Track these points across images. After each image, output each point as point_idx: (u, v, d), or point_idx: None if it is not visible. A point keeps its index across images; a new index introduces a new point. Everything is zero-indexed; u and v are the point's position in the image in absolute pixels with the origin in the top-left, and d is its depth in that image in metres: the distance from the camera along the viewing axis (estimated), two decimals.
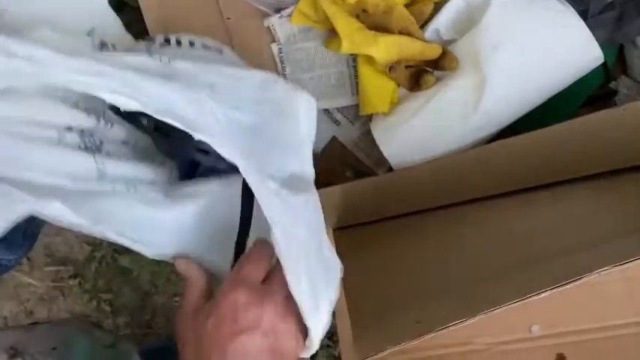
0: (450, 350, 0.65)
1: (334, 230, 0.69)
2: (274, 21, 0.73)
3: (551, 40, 0.59)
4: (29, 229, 0.62)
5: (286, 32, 0.74)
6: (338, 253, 0.65)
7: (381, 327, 0.44)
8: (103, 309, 1.02)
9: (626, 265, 0.60)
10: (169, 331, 1.00)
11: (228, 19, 0.77)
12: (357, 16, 0.65)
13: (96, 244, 0.98)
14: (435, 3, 0.65)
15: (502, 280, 0.45)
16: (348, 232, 0.68)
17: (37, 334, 0.54)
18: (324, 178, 0.78)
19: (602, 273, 0.45)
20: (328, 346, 0.96)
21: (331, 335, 0.96)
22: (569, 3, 0.59)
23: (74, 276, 1.01)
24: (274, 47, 0.76)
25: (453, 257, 0.53)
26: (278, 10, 0.72)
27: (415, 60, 0.65)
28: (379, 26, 0.64)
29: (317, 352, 0.99)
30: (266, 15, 0.74)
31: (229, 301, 0.39)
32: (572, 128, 0.58)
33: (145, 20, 0.69)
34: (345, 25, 0.62)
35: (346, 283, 0.59)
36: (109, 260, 0.99)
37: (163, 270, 0.97)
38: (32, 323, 0.98)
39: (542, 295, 0.40)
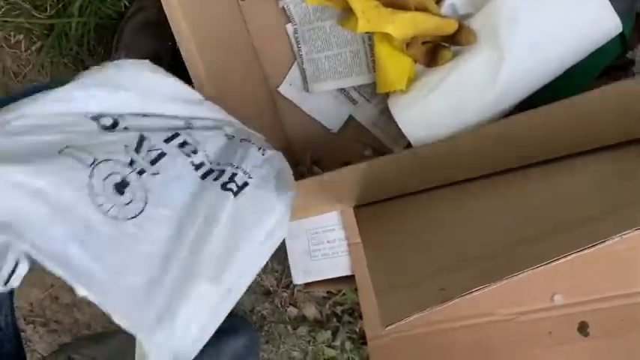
0: (474, 321, 0.66)
1: (355, 208, 0.70)
2: (289, 1, 0.73)
3: (568, 11, 0.59)
4: None
5: (301, 12, 0.74)
6: (359, 228, 0.66)
7: (405, 295, 0.45)
8: None
9: None
10: None
11: (242, 1, 0.78)
12: None
13: None
14: None
15: (524, 248, 0.45)
16: (369, 209, 0.69)
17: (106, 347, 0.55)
18: (341, 158, 0.79)
19: (625, 237, 0.46)
20: (349, 322, 0.98)
21: (352, 312, 0.98)
22: None
23: None
24: (289, 28, 0.76)
25: (474, 228, 0.54)
26: None
27: (432, 36, 0.65)
28: (395, 3, 0.64)
29: (339, 327, 1.01)
30: None
31: None
32: (592, 99, 0.58)
33: None
34: (360, 3, 0.62)
35: (368, 256, 0.60)
36: None
37: None
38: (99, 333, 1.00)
39: (565, 259, 0.40)
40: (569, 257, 0.41)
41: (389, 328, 0.41)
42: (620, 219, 0.47)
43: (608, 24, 0.59)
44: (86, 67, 0.86)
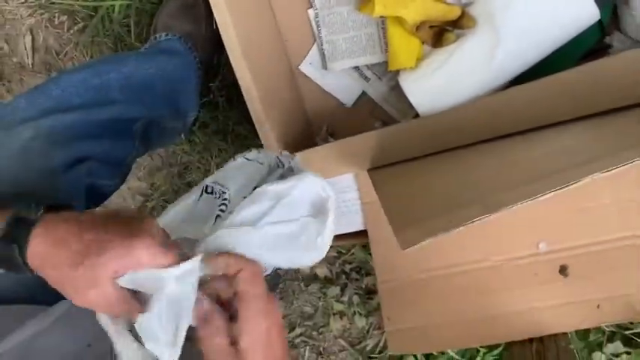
0: (471, 267, 0.78)
1: (369, 170, 0.80)
2: None
3: (554, 1, 0.69)
4: (128, 158, 0.72)
5: None
6: (374, 184, 0.77)
7: (417, 227, 0.55)
8: None
9: (612, 186, 0.72)
10: None
11: None
12: None
13: (147, 194, 1.10)
14: None
15: (514, 191, 0.56)
16: (382, 171, 0.79)
17: None
18: (354, 130, 0.90)
19: (591, 191, 0.56)
20: (356, 279, 1.08)
21: (359, 269, 1.09)
22: None
23: None
24: (311, 12, 0.86)
25: (475, 178, 0.64)
26: None
27: (438, 21, 0.75)
28: None
29: (347, 284, 1.11)
30: None
31: None
32: (576, 74, 0.69)
33: None
34: None
35: (384, 202, 0.70)
36: (159, 210, 1.10)
37: None
38: None
39: (546, 196, 0.51)
40: (548, 195, 0.51)
41: (407, 250, 0.51)
42: (589, 168, 0.57)
43: (588, 13, 0.70)
44: (126, 46, 0.97)
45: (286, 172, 0.58)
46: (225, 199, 0.54)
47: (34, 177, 0.53)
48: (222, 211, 0.53)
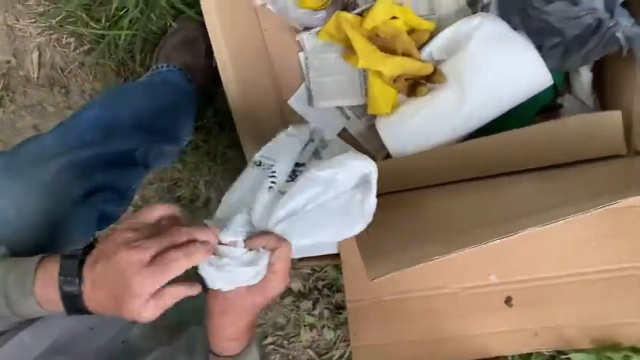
0: (431, 292, 0.88)
1: None
2: (304, 36, 0.93)
3: (514, 67, 0.80)
4: (135, 184, 0.80)
5: (312, 45, 0.93)
6: None
7: (385, 261, 0.65)
8: None
9: (560, 229, 0.83)
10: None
11: (265, 30, 0.97)
12: (371, 39, 0.85)
13: (138, 206, 1.17)
14: (430, 32, 0.85)
15: (471, 234, 0.66)
16: None
17: None
18: None
19: (540, 232, 0.65)
20: (328, 295, 1.18)
21: (331, 286, 1.18)
22: (530, 40, 0.79)
23: None
24: (301, 55, 0.95)
25: (437, 218, 0.74)
26: (307, 28, 0.92)
27: (413, 75, 0.85)
28: (387, 47, 0.84)
29: (319, 299, 1.20)
30: (297, 30, 0.94)
31: None
32: (532, 132, 0.79)
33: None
34: (362, 47, 0.82)
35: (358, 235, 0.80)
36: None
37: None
38: None
39: (494, 242, 0.61)
40: (497, 241, 0.61)
41: (374, 280, 0.61)
42: (541, 217, 0.67)
43: (542, 79, 0.80)
44: (129, 70, 1.04)
45: (319, 145, 0.69)
46: (274, 172, 0.62)
47: (59, 209, 0.61)
48: (273, 182, 0.61)
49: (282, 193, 0.61)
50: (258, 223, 0.59)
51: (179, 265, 0.49)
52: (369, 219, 0.63)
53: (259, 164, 0.64)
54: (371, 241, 0.73)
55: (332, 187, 0.60)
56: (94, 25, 1.00)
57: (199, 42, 0.97)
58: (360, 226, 0.63)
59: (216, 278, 0.56)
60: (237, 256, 0.57)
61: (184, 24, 0.98)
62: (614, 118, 0.75)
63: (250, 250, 0.58)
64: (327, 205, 0.61)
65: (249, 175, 0.64)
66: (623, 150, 0.77)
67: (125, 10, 0.97)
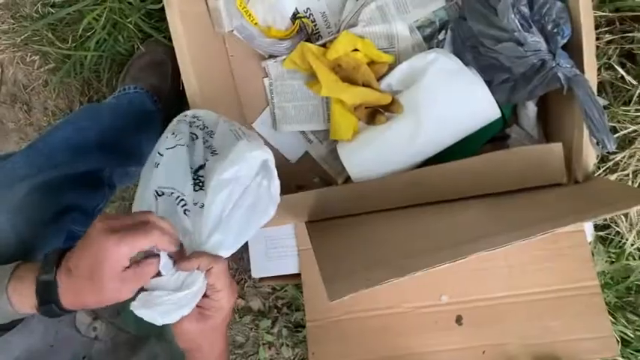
0: (386, 311, 0.91)
1: (307, 223, 0.93)
2: (269, 63, 0.96)
3: (466, 100, 0.85)
4: (101, 204, 0.82)
5: (277, 71, 0.97)
6: (311, 237, 0.90)
7: (343, 283, 0.68)
8: None
9: (507, 253, 0.88)
10: None
11: (232, 56, 1.00)
12: (333, 69, 0.89)
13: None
14: (389, 65, 0.90)
15: (423, 258, 0.70)
16: (317, 224, 0.92)
17: None
18: (296, 182, 1.03)
19: (488, 255, 0.71)
20: (287, 314, 1.20)
21: (290, 305, 1.20)
22: (480, 75, 0.85)
23: None
24: (266, 81, 0.99)
25: (392, 241, 0.78)
26: (273, 56, 0.96)
27: (373, 104, 0.90)
28: (349, 78, 0.89)
29: (278, 317, 1.22)
30: (262, 57, 0.97)
31: None
32: (481, 161, 0.85)
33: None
34: (325, 76, 0.87)
35: (318, 257, 0.83)
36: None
37: None
38: None
39: (443, 266, 0.65)
40: (445, 265, 0.66)
41: (334, 302, 0.64)
42: (488, 242, 0.72)
43: (491, 111, 0.86)
44: (94, 90, 1.05)
45: (205, 136, 0.67)
46: (179, 197, 0.61)
47: (29, 229, 0.62)
48: (184, 206, 0.60)
49: (196, 204, 0.61)
50: (191, 247, 0.60)
51: (151, 231, 0.52)
52: (278, 200, 0.67)
53: (161, 194, 0.62)
54: (331, 262, 0.77)
55: (238, 183, 0.62)
56: (60, 45, 1.01)
57: (166, 65, 0.99)
58: (272, 210, 0.67)
59: (156, 314, 0.56)
60: (166, 283, 0.57)
61: (152, 47, 1.00)
62: (555, 149, 0.82)
63: (179, 272, 0.58)
64: (241, 201, 0.62)
65: (155, 206, 0.61)
66: (564, 179, 0.83)
67: (92, 31, 0.98)
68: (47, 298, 0.52)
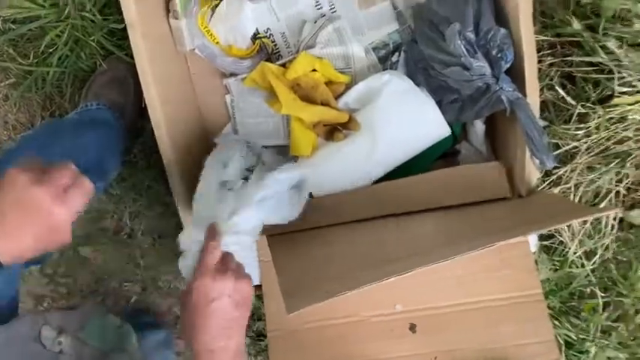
0: (343, 320, 0.95)
1: (268, 236, 0.96)
2: (230, 81, 0.99)
3: (418, 119, 0.91)
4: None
5: (238, 89, 1.00)
6: (271, 250, 0.93)
7: (302, 295, 0.72)
8: (59, 291, 1.22)
9: (457, 263, 0.93)
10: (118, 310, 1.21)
11: (194, 73, 1.02)
12: (293, 88, 0.93)
13: None
14: (346, 84, 0.94)
15: (376, 269, 0.74)
16: (278, 237, 0.95)
17: (72, 316, 0.76)
18: None
19: (441, 265, 0.75)
20: (249, 323, 1.23)
21: (252, 315, 1.23)
22: (431, 95, 0.90)
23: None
24: (228, 98, 1.02)
25: (350, 254, 0.82)
26: (234, 74, 0.98)
27: (331, 122, 0.94)
28: (308, 96, 0.93)
29: None
30: (224, 75, 1.00)
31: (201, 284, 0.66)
32: (431, 177, 0.90)
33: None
34: (284, 95, 0.90)
35: (278, 269, 0.86)
36: (70, 251, 1.19)
37: (120, 259, 1.19)
38: (69, 307, 1.16)
39: (396, 277, 0.69)
40: (392, 278, 0.70)
41: (291, 314, 0.67)
42: (438, 254, 0.77)
43: (442, 129, 0.91)
44: (56, 105, 1.06)
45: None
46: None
47: None
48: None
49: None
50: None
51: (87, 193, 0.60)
52: (301, 209, 0.86)
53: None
54: (290, 275, 0.80)
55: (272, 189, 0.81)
56: (22, 61, 1.01)
57: (128, 81, 1.01)
58: (296, 213, 0.86)
59: None
60: None
61: (114, 64, 1.02)
62: (498, 167, 0.87)
63: None
64: (278, 197, 0.83)
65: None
66: (508, 194, 0.89)
67: (55, 47, 0.99)
68: None
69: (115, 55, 1.02)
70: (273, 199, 0.82)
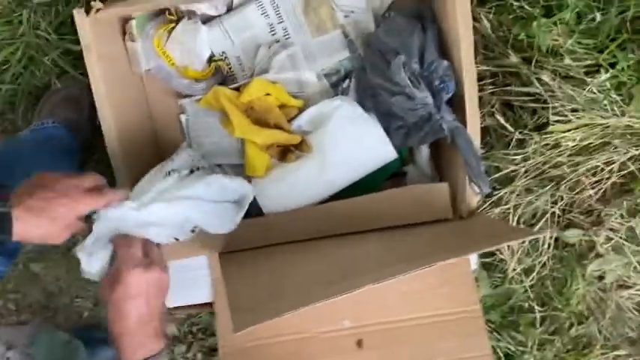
0: (293, 337, 0.98)
1: (220, 254, 0.98)
2: (185, 102, 1.01)
3: (366, 142, 0.95)
4: (20, 244, 0.84)
5: (194, 109, 1.02)
6: (222, 267, 0.95)
7: (250, 314, 0.74)
8: (9, 307, 1.21)
9: (402, 281, 0.98)
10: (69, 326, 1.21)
11: (149, 93, 1.04)
12: (246, 111, 0.96)
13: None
14: (299, 108, 0.98)
15: (324, 288, 0.77)
16: (230, 255, 0.98)
17: (21, 332, 0.76)
18: None
19: (385, 283, 0.79)
20: (202, 339, 1.24)
21: (205, 330, 1.24)
22: (379, 121, 0.94)
23: None
24: (183, 117, 1.04)
25: (298, 272, 0.86)
26: (189, 95, 1.01)
27: (283, 143, 0.97)
28: (261, 119, 0.96)
29: (192, 342, 1.26)
30: (179, 95, 1.02)
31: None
32: (377, 198, 0.94)
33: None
34: (237, 119, 0.93)
35: (228, 287, 0.89)
36: (21, 267, 1.18)
37: (71, 275, 1.19)
38: (19, 323, 1.14)
39: (345, 295, 0.73)
40: (342, 296, 0.73)
41: (238, 333, 0.70)
42: (385, 272, 0.81)
43: (388, 153, 0.96)
44: (8, 121, 1.06)
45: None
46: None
47: None
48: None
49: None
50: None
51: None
52: (233, 227, 0.83)
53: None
54: (239, 295, 0.83)
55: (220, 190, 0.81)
56: None
57: (83, 99, 1.02)
58: (228, 228, 0.83)
59: None
60: None
61: (68, 82, 1.02)
62: (441, 189, 0.92)
63: None
64: (216, 205, 0.81)
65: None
66: (450, 215, 0.94)
67: (8, 64, 0.99)
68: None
69: (70, 74, 1.02)
70: (209, 204, 0.80)
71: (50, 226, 0.66)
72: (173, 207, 0.77)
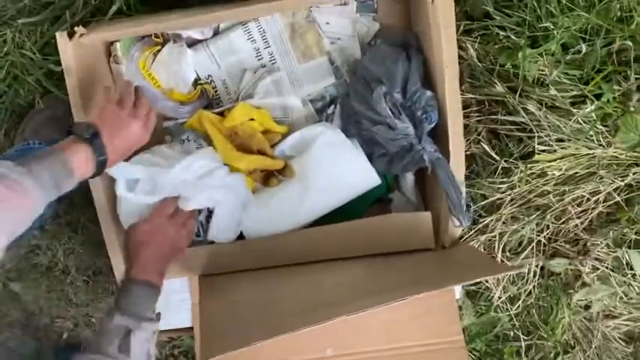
0: None
1: (200, 276, 0.97)
2: (170, 124, 1.01)
3: (349, 169, 0.94)
4: None
5: (179, 131, 1.01)
6: (200, 291, 0.94)
7: (218, 342, 0.73)
8: None
9: (385, 310, 0.97)
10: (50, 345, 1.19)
11: None
12: (230, 136, 0.95)
13: None
14: (282, 134, 0.97)
15: (307, 315, 0.77)
16: (210, 279, 0.97)
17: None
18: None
19: (364, 314, 0.78)
20: None
21: (187, 353, 1.23)
22: (363, 147, 0.94)
23: None
24: (168, 138, 1.03)
25: (276, 298, 0.85)
26: (174, 119, 1.00)
27: (267, 169, 0.96)
28: (244, 145, 0.95)
29: None
30: (164, 117, 1.02)
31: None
32: (360, 225, 0.94)
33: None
34: (221, 145, 0.92)
35: (202, 314, 0.87)
36: (0, 286, 1.16)
37: (52, 295, 1.18)
38: None
39: (320, 325, 0.72)
40: (328, 322, 0.72)
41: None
42: (366, 302, 0.80)
43: (372, 179, 0.95)
44: None
45: None
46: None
47: None
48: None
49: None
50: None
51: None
52: (234, 237, 0.96)
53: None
54: (212, 321, 0.82)
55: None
56: None
57: (67, 119, 1.01)
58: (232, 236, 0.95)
59: None
60: None
61: (52, 102, 1.02)
62: (425, 218, 0.92)
63: None
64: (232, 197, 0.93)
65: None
66: (432, 244, 0.93)
67: None
68: (102, 169, 0.78)
69: (53, 94, 1.02)
70: (222, 190, 0.91)
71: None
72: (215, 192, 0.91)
